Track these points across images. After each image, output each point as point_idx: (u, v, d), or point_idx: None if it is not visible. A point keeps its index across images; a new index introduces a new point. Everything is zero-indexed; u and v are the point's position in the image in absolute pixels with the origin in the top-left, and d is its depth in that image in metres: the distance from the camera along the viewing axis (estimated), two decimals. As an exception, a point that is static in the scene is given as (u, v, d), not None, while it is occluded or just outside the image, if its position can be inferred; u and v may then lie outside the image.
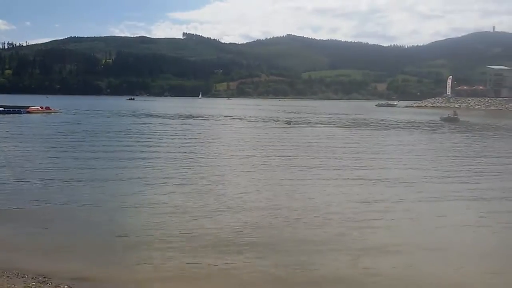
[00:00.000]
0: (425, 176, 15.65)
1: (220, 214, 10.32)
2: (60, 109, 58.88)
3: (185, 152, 20.65)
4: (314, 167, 16.99)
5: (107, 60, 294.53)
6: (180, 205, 10.99)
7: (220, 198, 11.74)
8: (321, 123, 45.05)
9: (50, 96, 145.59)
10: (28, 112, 51.21)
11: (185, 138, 27.39)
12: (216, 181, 13.96)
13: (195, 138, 27.34)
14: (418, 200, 12.22)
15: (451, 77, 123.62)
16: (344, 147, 24.03)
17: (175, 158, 18.72)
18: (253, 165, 17.31)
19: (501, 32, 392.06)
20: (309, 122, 46.10)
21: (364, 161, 18.90)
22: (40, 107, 55.96)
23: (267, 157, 19.39)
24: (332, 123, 46.40)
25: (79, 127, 34.21)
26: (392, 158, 19.82)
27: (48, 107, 57.56)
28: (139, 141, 24.74)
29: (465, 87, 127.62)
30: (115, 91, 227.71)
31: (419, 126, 43.73)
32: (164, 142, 24.72)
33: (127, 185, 13.28)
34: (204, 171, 15.65)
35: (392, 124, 45.31)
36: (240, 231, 9.09)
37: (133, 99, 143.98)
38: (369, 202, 11.81)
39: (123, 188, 12.85)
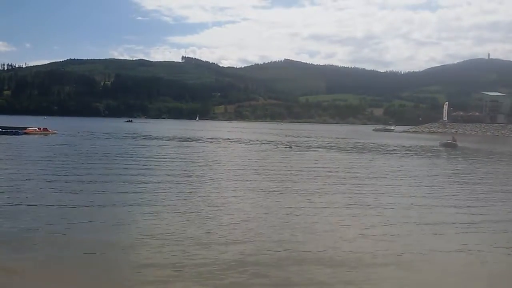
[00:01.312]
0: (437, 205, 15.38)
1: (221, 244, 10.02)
2: (56, 131, 58.72)
3: (185, 177, 20.29)
4: (322, 194, 16.55)
5: (106, 82, 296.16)
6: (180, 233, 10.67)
7: (221, 227, 11.44)
8: (322, 147, 44.88)
9: (47, 117, 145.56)
10: (26, 133, 50.99)
11: (184, 162, 27.05)
12: (217, 207, 13.67)
13: (195, 162, 26.98)
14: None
15: (447, 103, 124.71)
16: (349, 172, 23.52)
17: (174, 182, 18.37)
18: (258, 191, 16.69)
19: (496, 59, 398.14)
20: (309, 146, 45.94)
21: (373, 187, 18.53)
22: (38, 128, 55.78)
23: (271, 181, 18.97)
24: (333, 147, 46.27)
25: (75, 149, 33.89)
26: (399, 185, 19.41)
27: (46, 128, 57.41)
28: (137, 165, 24.33)
29: (461, 113, 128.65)
30: (113, 113, 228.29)
31: (420, 152, 43.71)
32: (163, 166, 24.32)
33: (121, 211, 12.92)
34: (205, 197, 15.29)
35: (393, 150, 45.23)
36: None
37: (131, 121, 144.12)
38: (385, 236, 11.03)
39: (118, 214, 12.47)
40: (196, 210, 13.02)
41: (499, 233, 11.67)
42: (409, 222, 12.36)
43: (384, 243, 10.22)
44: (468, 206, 15.02)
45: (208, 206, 13.61)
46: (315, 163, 28.14)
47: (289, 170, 23.64)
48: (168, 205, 13.72)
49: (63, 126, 79.36)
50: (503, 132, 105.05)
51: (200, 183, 18.43)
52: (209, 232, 10.68)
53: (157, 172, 21.38)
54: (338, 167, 25.96)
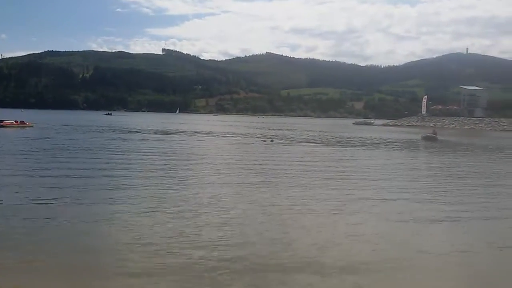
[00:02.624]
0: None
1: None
2: (34, 123, 57.52)
3: (165, 170, 20.00)
4: (308, 189, 16.29)
5: (85, 75, 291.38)
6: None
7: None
8: (306, 141, 44.78)
9: (24, 110, 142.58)
10: (2, 126, 49.77)
11: (166, 156, 26.63)
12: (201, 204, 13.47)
13: (175, 157, 26.59)
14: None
15: (426, 96, 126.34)
16: (336, 167, 23.12)
17: (155, 178, 18.01)
18: (245, 186, 16.31)
19: (474, 53, 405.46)
20: (293, 140, 45.85)
21: (361, 182, 18.27)
22: (15, 121, 54.50)
23: (256, 176, 18.62)
24: (317, 141, 46.36)
25: (51, 143, 33.08)
26: (387, 179, 19.30)
27: (23, 121, 56.12)
28: (115, 159, 23.76)
29: (440, 107, 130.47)
30: (92, 106, 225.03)
31: (403, 145, 44.13)
32: (144, 160, 23.91)
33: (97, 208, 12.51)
34: (188, 192, 15.07)
35: (376, 143, 45.61)
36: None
37: (110, 114, 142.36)
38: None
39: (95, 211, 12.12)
40: (176, 211, 12.68)
41: (491, 232, 11.28)
42: (398, 220, 11.93)
43: (371, 245, 9.64)
44: (459, 203, 14.53)
45: (190, 204, 13.34)
46: (301, 158, 27.94)
47: (277, 165, 23.36)
48: (145, 202, 13.45)
49: (40, 119, 77.74)
50: (480, 125, 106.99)
51: (180, 179, 18.03)
52: (180, 235, 10.43)
53: (136, 167, 20.93)
54: (324, 162, 25.71)
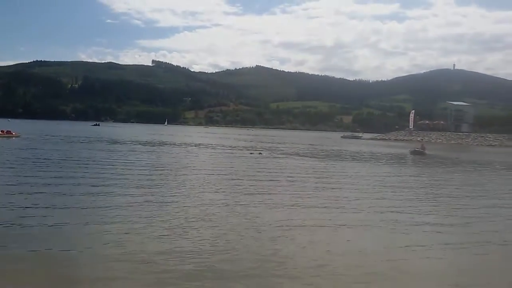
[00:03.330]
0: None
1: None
2: (20, 133, 56.81)
3: (156, 185, 19.77)
4: (300, 205, 15.92)
5: (73, 85, 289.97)
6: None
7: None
8: (296, 154, 44.49)
9: (12, 120, 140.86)
10: (-13, 136, 49.06)
11: (154, 169, 26.36)
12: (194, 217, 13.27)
13: (163, 169, 26.29)
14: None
15: (413, 111, 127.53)
16: (329, 183, 22.30)
17: (142, 192, 17.82)
18: (238, 201, 15.75)
19: (461, 69, 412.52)
20: (284, 153, 45.62)
21: (354, 199, 17.49)
22: (1, 131, 53.76)
23: (250, 194, 18.26)
24: (308, 154, 46.20)
25: (34, 154, 32.48)
26: (379, 197, 18.49)
27: (9, 131, 55.32)
28: (103, 172, 23.36)
29: (427, 122, 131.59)
30: (80, 116, 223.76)
31: (393, 159, 44.36)
32: (131, 173, 23.57)
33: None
34: (176, 208, 14.88)
35: (367, 157, 45.67)
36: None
37: (98, 125, 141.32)
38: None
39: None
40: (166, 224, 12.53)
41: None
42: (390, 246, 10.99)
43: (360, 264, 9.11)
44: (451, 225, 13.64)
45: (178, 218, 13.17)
46: (292, 170, 27.84)
47: (271, 180, 23.07)
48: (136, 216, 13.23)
49: (27, 129, 76.94)
50: (467, 140, 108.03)
51: (169, 194, 17.88)
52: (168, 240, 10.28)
53: (123, 181, 20.66)
54: (319, 176, 25.30)
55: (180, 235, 10.72)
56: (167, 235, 10.65)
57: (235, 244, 10.20)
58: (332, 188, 20.29)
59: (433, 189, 21.72)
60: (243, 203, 15.36)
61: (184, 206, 14.27)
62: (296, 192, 18.45)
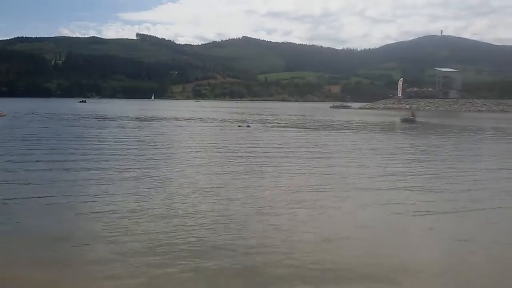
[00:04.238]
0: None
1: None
2: (7, 112, 55.77)
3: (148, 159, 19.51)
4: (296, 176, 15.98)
5: (57, 61, 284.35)
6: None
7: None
8: (290, 126, 44.26)
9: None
10: (-28, 116, 48.11)
11: (148, 145, 26.06)
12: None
13: (155, 144, 25.99)
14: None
15: (401, 79, 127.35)
16: (329, 155, 21.75)
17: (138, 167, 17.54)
18: (238, 176, 15.42)
19: (448, 36, 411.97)
20: (278, 125, 45.35)
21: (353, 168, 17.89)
22: (-15, 111, 52.80)
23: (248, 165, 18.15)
24: (299, 125, 46.15)
25: (26, 132, 32.00)
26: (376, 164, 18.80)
27: (-6, 110, 54.36)
28: (91, 148, 23.04)
29: (415, 89, 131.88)
30: (66, 93, 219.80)
31: (385, 127, 44.56)
32: (124, 149, 23.30)
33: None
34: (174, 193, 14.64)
35: (359, 126, 45.65)
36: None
37: (85, 102, 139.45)
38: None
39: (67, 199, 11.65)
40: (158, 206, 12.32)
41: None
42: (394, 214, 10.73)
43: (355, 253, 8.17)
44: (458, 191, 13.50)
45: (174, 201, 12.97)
46: (290, 142, 27.70)
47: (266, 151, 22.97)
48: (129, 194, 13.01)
49: (13, 108, 75.55)
50: (455, 107, 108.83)
51: (164, 179, 17.63)
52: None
53: (114, 157, 20.34)
54: (318, 148, 25.07)
55: (180, 213, 10.57)
56: (167, 212, 10.50)
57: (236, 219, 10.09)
58: (328, 158, 20.27)
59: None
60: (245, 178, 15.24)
61: (182, 182, 14.11)
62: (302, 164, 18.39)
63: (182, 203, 11.24)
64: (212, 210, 10.65)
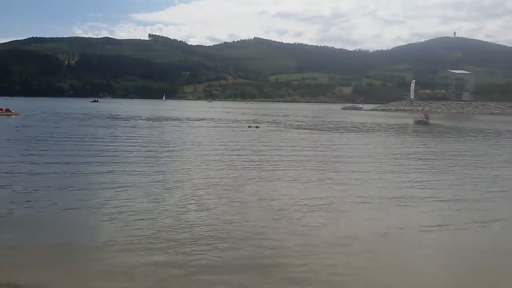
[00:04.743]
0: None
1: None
2: (20, 111, 56.39)
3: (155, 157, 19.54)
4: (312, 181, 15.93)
5: (70, 61, 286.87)
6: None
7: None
8: (302, 128, 44.00)
9: (10, 98, 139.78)
10: (-13, 114, 48.71)
11: (164, 145, 26.13)
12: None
13: (171, 145, 26.10)
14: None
15: (414, 81, 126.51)
16: (350, 160, 20.93)
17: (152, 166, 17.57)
18: (249, 180, 15.14)
19: (461, 37, 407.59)
20: (291, 126, 45.22)
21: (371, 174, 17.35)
22: (0, 109, 53.39)
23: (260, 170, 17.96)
24: (312, 126, 45.93)
25: (39, 131, 32.26)
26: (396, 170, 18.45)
27: (8, 109, 54.96)
28: (105, 148, 23.10)
29: (427, 91, 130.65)
30: (78, 93, 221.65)
31: (399, 130, 44.27)
32: (134, 148, 23.39)
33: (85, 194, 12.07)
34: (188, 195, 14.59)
35: (373, 128, 45.26)
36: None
37: (97, 101, 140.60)
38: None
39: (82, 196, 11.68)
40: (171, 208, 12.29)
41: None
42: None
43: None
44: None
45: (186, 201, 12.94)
46: (310, 144, 27.55)
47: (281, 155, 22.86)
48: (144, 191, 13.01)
49: (26, 107, 76.40)
50: (467, 109, 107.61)
51: (176, 181, 17.59)
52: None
53: (128, 155, 20.43)
54: (336, 152, 24.41)
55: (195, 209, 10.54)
56: (183, 207, 10.48)
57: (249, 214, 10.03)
58: (352, 162, 20.07)
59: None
60: (260, 179, 15.17)
61: (197, 183, 14.09)
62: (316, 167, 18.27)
63: (195, 203, 11.28)
64: (225, 211, 10.64)
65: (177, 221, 9.75)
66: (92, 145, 24.11)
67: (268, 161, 19.30)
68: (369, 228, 9.62)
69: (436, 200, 12.39)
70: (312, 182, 14.78)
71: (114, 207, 10.75)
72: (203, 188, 13.22)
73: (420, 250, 8.48)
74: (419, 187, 14.31)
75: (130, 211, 10.40)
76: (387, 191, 13.53)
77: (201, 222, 9.69)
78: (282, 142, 28.67)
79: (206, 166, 17.51)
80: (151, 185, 13.46)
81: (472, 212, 11.28)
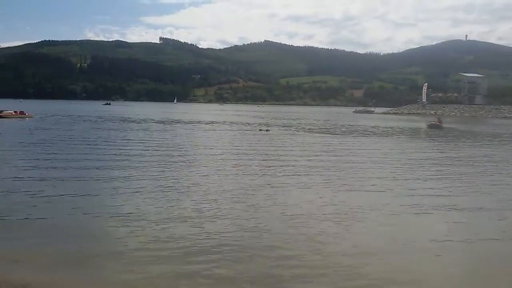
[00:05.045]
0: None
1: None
2: (34, 114, 56.95)
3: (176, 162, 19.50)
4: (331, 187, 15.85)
5: (82, 64, 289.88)
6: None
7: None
8: (315, 131, 43.81)
9: (23, 101, 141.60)
10: (1, 117, 49.15)
11: (175, 149, 26.13)
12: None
13: (184, 148, 26.09)
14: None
15: (426, 84, 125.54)
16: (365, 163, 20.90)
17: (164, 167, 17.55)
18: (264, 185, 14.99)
19: (473, 40, 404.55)
20: (304, 130, 45.08)
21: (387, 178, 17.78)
22: (14, 112, 53.96)
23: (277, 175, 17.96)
24: (324, 130, 45.72)
25: (53, 134, 32.50)
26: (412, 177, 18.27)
27: (22, 112, 55.57)
28: (117, 151, 23.11)
29: (440, 95, 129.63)
30: (91, 95, 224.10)
31: (413, 134, 43.96)
32: (149, 151, 23.42)
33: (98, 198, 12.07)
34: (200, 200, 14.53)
35: (386, 132, 44.89)
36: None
37: (109, 104, 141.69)
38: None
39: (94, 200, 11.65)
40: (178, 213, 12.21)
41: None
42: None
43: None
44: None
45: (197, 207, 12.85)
46: (324, 148, 27.36)
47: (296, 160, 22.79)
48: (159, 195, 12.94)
49: (40, 110, 77.23)
50: (480, 113, 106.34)
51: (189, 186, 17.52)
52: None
53: (142, 158, 20.44)
54: (359, 155, 24.30)
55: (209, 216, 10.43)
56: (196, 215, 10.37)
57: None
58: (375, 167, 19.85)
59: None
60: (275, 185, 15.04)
61: (212, 188, 14.00)
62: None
63: (209, 210, 11.14)
64: (238, 217, 10.50)
65: (192, 228, 9.63)
66: (105, 148, 24.15)
67: (281, 166, 19.07)
68: (387, 238, 9.40)
69: (456, 210, 12.00)
70: (327, 188, 14.56)
71: (127, 214, 10.64)
72: (217, 193, 13.09)
73: (441, 262, 8.23)
74: (435, 194, 13.91)
75: (144, 219, 10.31)
76: (404, 199, 13.16)
77: (217, 230, 9.55)
78: (294, 146, 28.45)
79: (218, 170, 17.41)
80: (164, 190, 13.37)
81: (493, 222, 10.98)
